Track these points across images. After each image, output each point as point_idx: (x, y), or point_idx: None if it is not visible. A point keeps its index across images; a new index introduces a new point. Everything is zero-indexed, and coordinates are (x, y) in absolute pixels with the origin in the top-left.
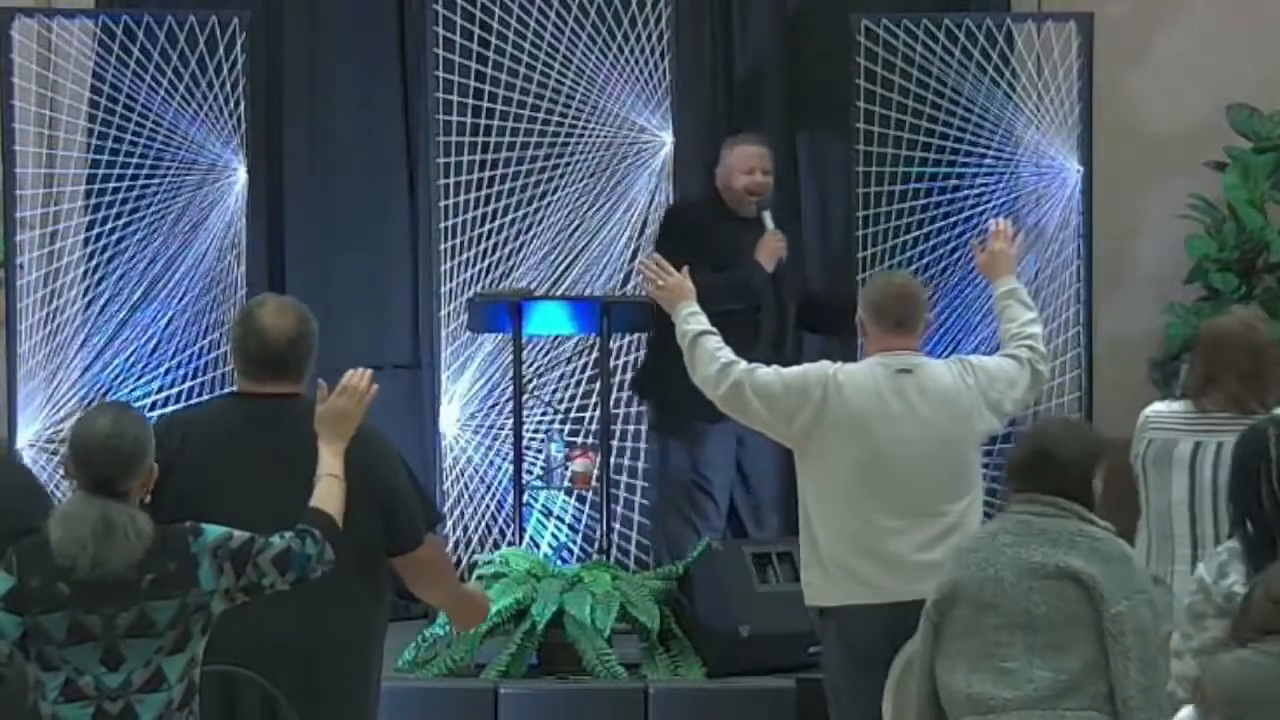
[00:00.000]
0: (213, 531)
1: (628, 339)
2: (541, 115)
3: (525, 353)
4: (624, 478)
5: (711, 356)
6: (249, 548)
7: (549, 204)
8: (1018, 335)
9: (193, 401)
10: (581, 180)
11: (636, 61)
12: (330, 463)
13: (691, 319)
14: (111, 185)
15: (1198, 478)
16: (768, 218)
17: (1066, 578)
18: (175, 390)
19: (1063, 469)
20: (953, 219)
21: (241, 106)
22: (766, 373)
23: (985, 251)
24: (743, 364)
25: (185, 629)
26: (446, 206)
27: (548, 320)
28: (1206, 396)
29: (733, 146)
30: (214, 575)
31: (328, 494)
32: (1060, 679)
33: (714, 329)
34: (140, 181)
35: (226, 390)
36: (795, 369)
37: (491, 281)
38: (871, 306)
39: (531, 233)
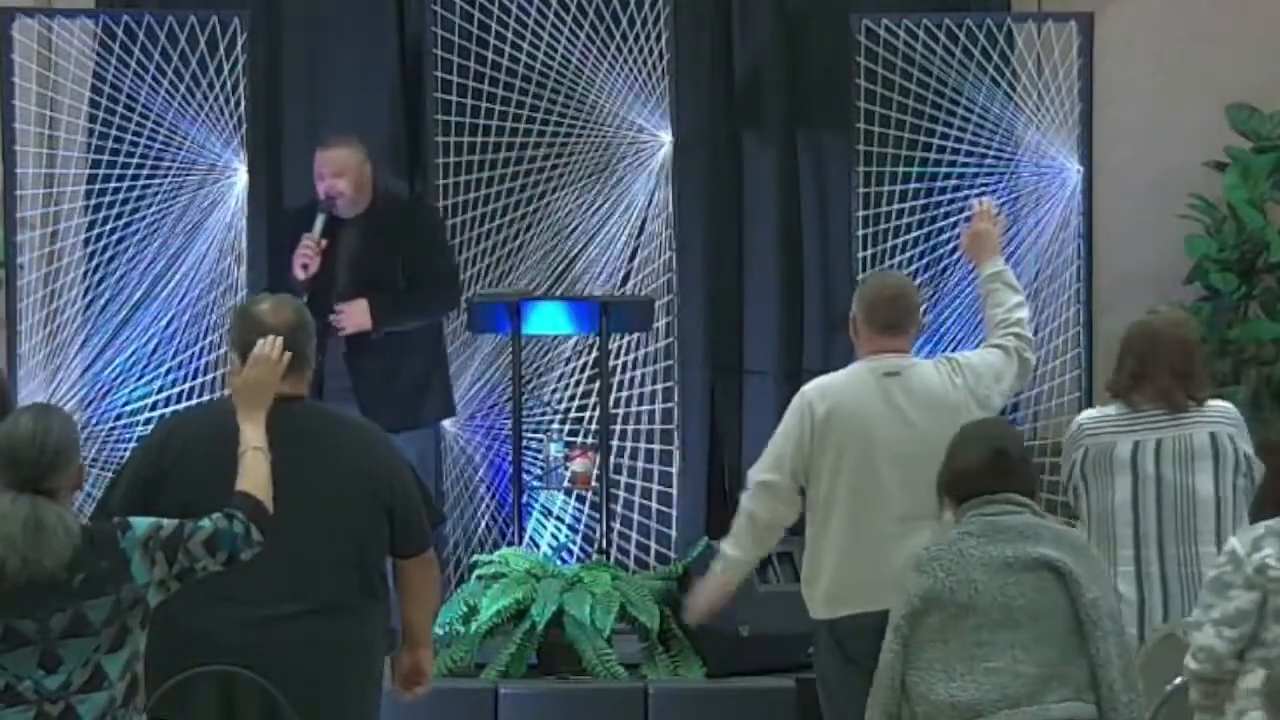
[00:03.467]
0: (141, 524)
1: (627, 339)
2: (540, 115)
3: (525, 353)
4: (624, 478)
5: (736, 541)
6: (179, 535)
7: (548, 204)
8: (1004, 322)
9: (193, 402)
10: (581, 180)
11: (636, 61)
12: (252, 435)
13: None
14: (111, 185)
15: (1140, 475)
16: (318, 223)
17: (1042, 567)
18: (175, 390)
19: (1019, 465)
20: (953, 219)
21: (241, 106)
22: (761, 465)
23: (968, 232)
24: (743, 499)
25: (122, 625)
26: (446, 206)
27: (547, 320)
28: (1137, 393)
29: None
30: (146, 568)
31: (253, 471)
32: (1044, 671)
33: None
34: (140, 181)
35: (230, 391)
36: (777, 432)
37: (491, 281)
38: (865, 306)
39: (531, 233)
